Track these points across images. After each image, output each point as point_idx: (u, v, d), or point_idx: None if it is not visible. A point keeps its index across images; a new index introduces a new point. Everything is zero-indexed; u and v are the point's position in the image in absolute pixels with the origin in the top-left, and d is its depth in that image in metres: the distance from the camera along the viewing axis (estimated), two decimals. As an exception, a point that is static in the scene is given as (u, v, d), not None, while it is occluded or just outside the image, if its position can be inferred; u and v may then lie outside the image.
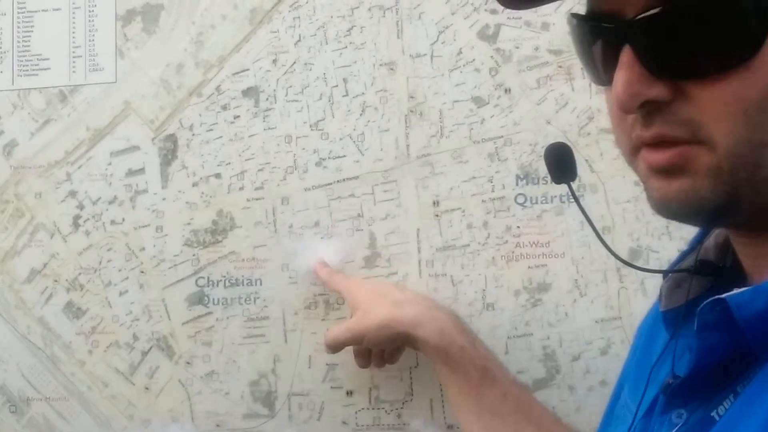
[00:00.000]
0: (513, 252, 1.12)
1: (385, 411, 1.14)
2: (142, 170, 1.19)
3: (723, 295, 0.57)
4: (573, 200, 0.82)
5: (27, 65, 1.21)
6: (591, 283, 1.11)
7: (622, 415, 0.80)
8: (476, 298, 1.13)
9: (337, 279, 1.13)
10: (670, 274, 0.72)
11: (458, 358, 1.00)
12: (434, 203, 1.14)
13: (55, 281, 1.19)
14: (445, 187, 1.14)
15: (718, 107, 0.55)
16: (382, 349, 1.11)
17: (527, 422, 0.99)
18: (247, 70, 1.18)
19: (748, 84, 0.54)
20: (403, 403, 1.14)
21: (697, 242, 0.72)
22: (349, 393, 1.15)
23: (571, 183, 0.83)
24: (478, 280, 1.13)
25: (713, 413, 0.60)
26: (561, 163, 0.85)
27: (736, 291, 0.57)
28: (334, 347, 1.09)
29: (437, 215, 1.14)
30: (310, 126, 1.17)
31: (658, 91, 0.56)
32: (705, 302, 0.58)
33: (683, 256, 0.73)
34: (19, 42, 1.22)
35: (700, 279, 0.70)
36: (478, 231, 1.13)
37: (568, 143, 0.92)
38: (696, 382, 0.62)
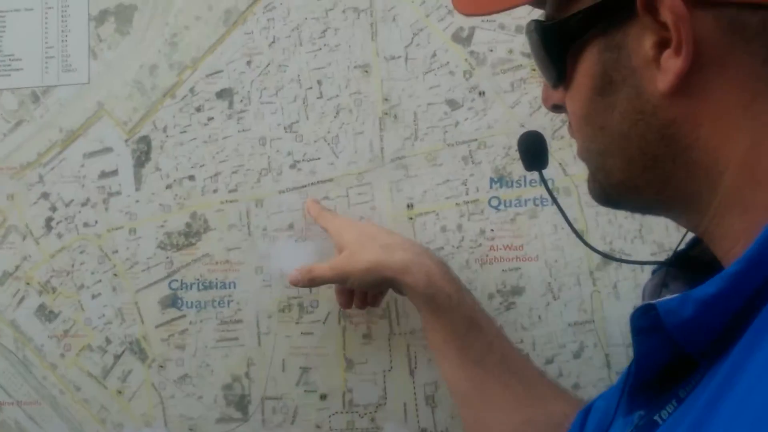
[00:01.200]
0: (487, 255, 1.12)
1: (359, 414, 1.14)
2: (115, 172, 1.18)
3: (654, 301, 0.59)
4: (549, 202, 0.84)
5: (-1, 66, 1.20)
6: (564, 287, 1.11)
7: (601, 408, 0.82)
8: (450, 302, 1.13)
9: (326, 216, 1.13)
10: (655, 272, 0.74)
11: (445, 306, 1.00)
12: (408, 206, 1.14)
13: (27, 284, 1.18)
14: (419, 189, 1.14)
15: (570, 114, 0.70)
16: (365, 291, 1.10)
17: (511, 373, 0.99)
18: (221, 71, 1.17)
19: (573, 101, 0.68)
20: (376, 407, 1.14)
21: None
22: (323, 397, 1.15)
23: (542, 171, 0.85)
24: (452, 283, 1.13)
25: (656, 417, 0.62)
26: (533, 150, 0.88)
27: (668, 297, 0.59)
28: (315, 282, 1.08)
29: (411, 218, 1.14)
30: (285, 128, 1.16)
31: (557, 96, 0.71)
32: (637, 307, 0.61)
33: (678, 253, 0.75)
34: (-10, 42, 1.21)
35: (688, 277, 0.71)
36: (452, 234, 1.13)
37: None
38: (646, 385, 0.64)
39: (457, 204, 1.13)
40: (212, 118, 1.17)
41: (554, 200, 0.88)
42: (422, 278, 1.01)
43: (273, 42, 1.17)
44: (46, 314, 1.18)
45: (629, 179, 0.66)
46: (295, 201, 1.16)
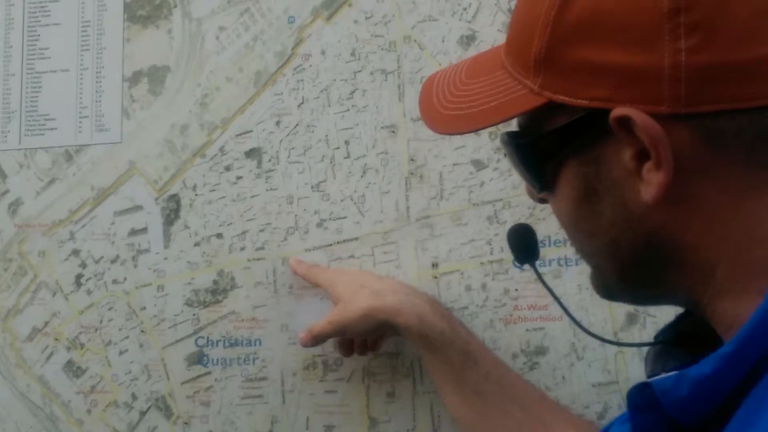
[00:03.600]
0: (511, 315, 1.13)
1: (383, 474, 1.14)
2: (144, 230, 1.20)
3: (650, 380, 0.61)
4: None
5: (34, 125, 1.23)
6: (588, 347, 1.11)
7: None
8: (475, 361, 1.13)
9: (316, 272, 1.15)
10: (658, 337, 0.74)
11: (439, 343, 1.03)
12: (433, 265, 1.15)
13: (56, 340, 1.20)
14: (444, 249, 1.15)
15: (557, 218, 0.72)
16: (365, 339, 1.12)
17: (511, 401, 1.01)
18: (251, 131, 1.19)
19: (559, 208, 0.70)
20: (401, 466, 1.14)
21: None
22: (347, 455, 1.15)
23: (536, 262, 0.86)
24: (476, 341, 1.13)
25: None
26: (524, 243, 0.89)
27: (663, 375, 0.61)
28: (317, 341, 1.09)
29: (436, 277, 1.15)
30: (312, 187, 1.18)
31: (543, 195, 0.71)
32: (633, 386, 0.63)
33: (678, 320, 0.74)
34: (27, 102, 1.24)
35: (686, 347, 0.71)
36: (476, 293, 1.14)
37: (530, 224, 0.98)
38: None
39: (481, 263, 1.14)
40: (241, 177, 1.19)
41: (549, 290, 0.89)
42: (414, 318, 1.03)
43: (302, 103, 1.19)
44: (73, 370, 1.19)
45: (624, 279, 0.68)
46: (321, 259, 1.17)
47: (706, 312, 0.63)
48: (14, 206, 1.22)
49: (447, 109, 0.73)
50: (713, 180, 0.59)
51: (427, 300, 1.08)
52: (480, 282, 1.13)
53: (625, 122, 0.59)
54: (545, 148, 0.66)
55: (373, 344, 1.13)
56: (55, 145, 1.22)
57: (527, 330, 1.12)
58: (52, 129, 1.23)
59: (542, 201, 0.74)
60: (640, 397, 0.62)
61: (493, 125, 0.69)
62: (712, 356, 0.58)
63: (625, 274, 0.67)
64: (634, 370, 1.09)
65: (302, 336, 1.09)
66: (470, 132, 0.72)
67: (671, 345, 0.72)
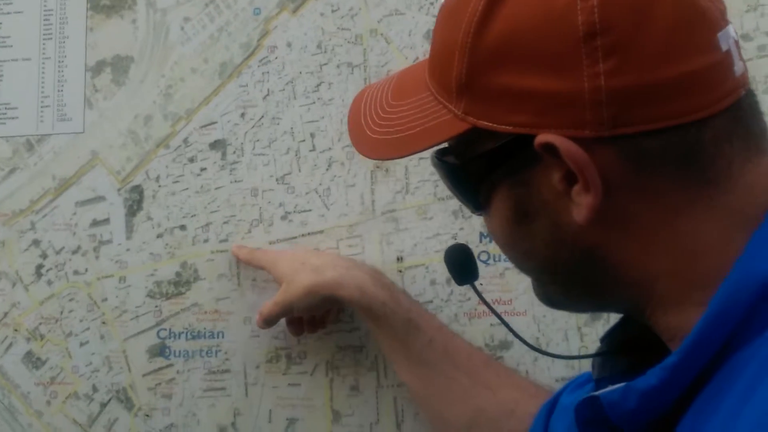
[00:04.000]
0: (475, 309, 1.13)
1: (345, 467, 1.14)
2: (107, 221, 1.18)
3: (597, 393, 0.62)
4: (479, 297, 0.86)
5: (-6, 114, 1.21)
6: (552, 342, 1.12)
7: None
8: (438, 355, 1.13)
9: (258, 255, 1.15)
10: (603, 342, 0.74)
11: (381, 313, 1.04)
12: (398, 259, 1.15)
13: (15, 330, 1.18)
14: (410, 243, 1.15)
15: (493, 238, 0.73)
16: (313, 315, 1.12)
17: (456, 367, 1.02)
18: (215, 123, 1.19)
19: (493, 227, 0.70)
20: (363, 459, 1.14)
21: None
22: (309, 448, 1.15)
23: (475, 283, 0.88)
24: (440, 336, 1.13)
25: None
26: (461, 264, 0.89)
27: (610, 388, 0.62)
28: (268, 322, 1.10)
29: (401, 271, 1.15)
30: (277, 179, 1.17)
31: (478, 214, 0.72)
32: (581, 399, 0.64)
33: (621, 324, 0.74)
34: (-13, 90, 1.22)
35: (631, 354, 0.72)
36: (441, 287, 1.14)
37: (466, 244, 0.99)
38: None
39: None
40: (205, 168, 1.18)
41: (491, 309, 0.90)
42: (355, 291, 1.04)
43: (267, 95, 1.18)
44: (33, 361, 1.18)
45: (565, 294, 0.70)
46: (286, 252, 1.16)
47: (650, 322, 0.64)
48: (-26, 195, 1.20)
49: (375, 132, 0.73)
50: (644, 199, 0.60)
51: (367, 271, 1.08)
52: (445, 276, 1.14)
53: (549, 148, 0.59)
54: (475, 171, 0.66)
55: (321, 321, 1.14)
56: (16, 135, 1.21)
57: (491, 324, 1.12)
58: (13, 118, 1.21)
59: (480, 215, 0.73)
60: (589, 410, 0.63)
61: (420, 151, 0.68)
62: (658, 367, 0.58)
63: (566, 288, 0.69)
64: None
65: (256, 319, 1.11)
66: (398, 158, 0.72)
67: (615, 354, 0.72)
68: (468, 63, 0.62)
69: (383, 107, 0.74)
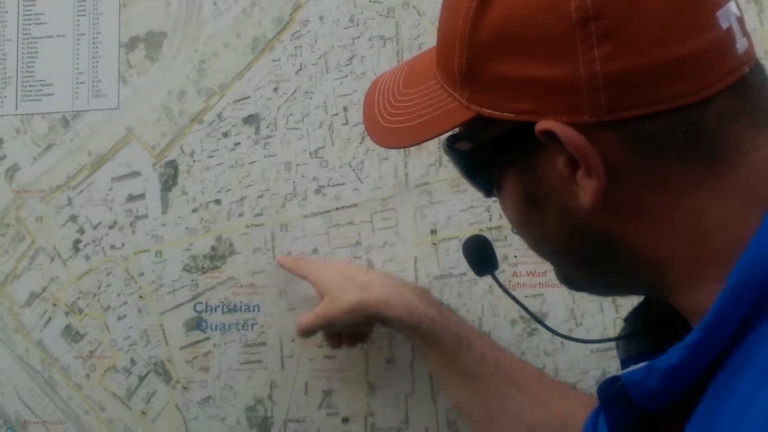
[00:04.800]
0: (510, 281, 1.13)
1: (381, 438, 1.15)
2: (142, 196, 1.19)
3: (620, 373, 0.62)
4: (501, 287, 0.85)
5: (30, 90, 1.22)
6: (587, 313, 1.11)
7: None
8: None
9: (302, 264, 1.15)
10: (627, 322, 0.74)
11: (431, 331, 1.02)
12: (432, 231, 1.15)
13: (54, 305, 1.20)
14: (443, 215, 1.15)
15: (509, 221, 0.72)
16: (353, 331, 1.12)
17: (509, 382, 1.01)
18: (249, 97, 1.19)
19: (507, 211, 0.70)
20: (398, 430, 1.14)
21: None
22: (345, 420, 1.15)
23: (495, 272, 0.87)
24: (475, 308, 1.14)
25: None
26: (481, 256, 0.89)
27: (632, 368, 0.61)
28: (307, 334, 1.10)
29: (435, 243, 1.15)
30: (310, 154, 1.18)
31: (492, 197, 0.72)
32: (604, 380, 0.64)
33: (645, 304, 0.74)
34: (23, 67, 1.23)
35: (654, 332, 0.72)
36: (475, 260, 1.14)
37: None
38: None
39: (480, 230, 1.14)
40: (239, 143, 1.19)
41: (514, 299, 0.89)
42: (403, 309, 1.03)
43: (300, 69, 1.18)
44: (72, 335, 1.19)
45: (582, 276, 0.70)
46: (320, 226, 1.17)
47: (670, 300, 0.64)
48: (11, 172, 1.21)
49: (387, 121, 0.73)
50: (649, 181, 0.59)
51: (414, 289, 1.08)
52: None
53: (549, 134, 0.59)
54: (483, 157, 0.67)
55: (362, 335, 1.13)
56: (51, 111, 1.22)
57: (526, 296, 1.12)
58: (48, 95, 1.22)
59: (495, 199, 0.74)
60: (611, 391, 0.63)
61: (428, 140, 0.69)
62: (679, 345, 0.58)
63: (584, 271, 0.69)
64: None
65: (295, 329, 1.10)
66: (408, 146, 0.72)
67: (639, 335, 0.72)
68: (468, 52, 0.63)
69: (395, 96, 0.74)
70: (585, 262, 0.67)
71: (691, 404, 0.58)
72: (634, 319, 0.73)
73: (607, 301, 1.11)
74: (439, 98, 0.68)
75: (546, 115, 0.59)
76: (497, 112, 0.62)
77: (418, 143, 0.71)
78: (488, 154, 0.66)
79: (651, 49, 0.57)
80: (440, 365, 1.04)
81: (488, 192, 0.71)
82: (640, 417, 0.62)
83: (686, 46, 0.57)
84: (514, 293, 1.10)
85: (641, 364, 0.60)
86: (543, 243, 0.69)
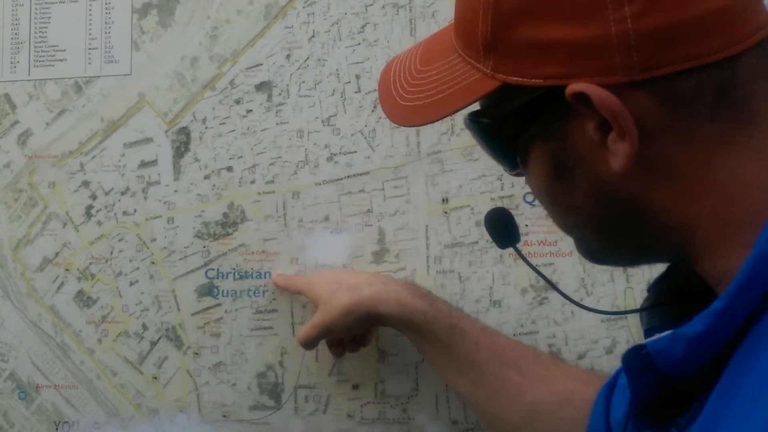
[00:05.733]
0: (520, 250, 1.13)
1: (391, 405, 1.15)
2: (154, 162, 1.20)
3: (644, 342, 0.61)
4: (523, 259, 0.84)
5: (43, 56, 1.22)
6: (597, 283, 1.12)
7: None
8: (483, 296, 1.14)
9: (294, 280, 1.16)
10: (650, 292, 0.74)
11: (423, 323, 1.03)
12: (443, 200, 1.15)
13: (67, 270, 1.20)
14: (455, 184, 1.15)
15: (534, 194, 0.71)
16: (353, 335, 1.13)
17: (506, 366, 1.01)
18: (261, 64, 1.19)
19: (533, 185, 0.69)
20: (408, 398, 1.15)
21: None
22: (355, 387, 1.16)
23: (517, 245, 0.86)
24: (486, 277, 1.14)
25: None
26: (503, 228, 0.88)
27: (657, 336, 0.61)
28: (309, 346, 1.11)
29: (446, 212, 1.15)
30: (322, 121, 1.18)
31: (517, 172, 0.71)
32: (629, 349, 0.63)
33: (668, 273, 0.74)
34: (36, 33, 1.23)
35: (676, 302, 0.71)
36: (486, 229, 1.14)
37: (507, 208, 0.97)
38: (648, 412, 0.66)
39: (492, 199, 1.14)
40: (251, 110, 1.19)
41: (536, 271, 0.86)
42: (394, 305, 1.04)
43: (312, 36, 1.18)
44: (84, 300, 1.20)
45: (607, 246, 0.69)
46: (331, 193, 1.17)
47: (696, 267, 0.64)
48: (24, 137, 1.22)
49: (406, 100, 0.72)
50: (681, 141, 0.59)
51: (403, 285, 1.08)
52: (490, 217, 1.14)
53: (581, 97, 0.58)
54: (509, 129, 0.66)
55: (362, 339, 1.14)
56: (64, 77, 1.22)
57: (537, 265, 1.12)
58: (61, 60, 1.22)
59: (519, 175, 0.73)
60: (636, 359, 0.63)
61: (452, 113, 0.68)
62: (704, 313, 0.58)
63: (608, 241, 0.68)
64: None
65: (298, 342, 1.11)
66: (431, 123, 0.71)
67: (663, 305, 0.71)
68: (492, 20, 0.62)
69: (412, 74, 0.73)
70: (611, 231, 0.66)
71: (717, 372, 0.58)
72: (657, 288, 0.73)
73: (618, 271, 1.11)
74: (461, 71, 0.67)
75: (576, 78, 0.59)
76: (525, 79, 0.62)
77: (441, 118, 0.70)
78: (515, 124, 0.65)
79: (681, 4, 0.57)
80: (436, 356, 1.06)
81: (513, 165, 0.70)
82: (664, 385, 0.62)
83: (715, 1, 0.57)
84: (523, 264, 1.12)
85: (666, 333, 0.60)
86: (569, 214, 0.68)
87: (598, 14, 0.57)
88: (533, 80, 0.61)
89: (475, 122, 0.69)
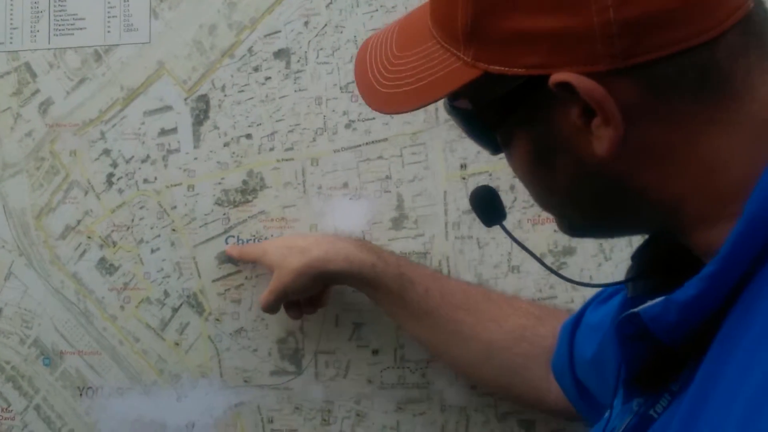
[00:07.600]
0: (539, 215, 1.13)
1: (410, 370, 1.16)
2: (174, 130, 1.20)
3: (637, 309, 0.62)
4: (509, 236, 0.82)
5: (63, 25, 1.23)
6: (616, 248, 1.12)
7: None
8: (502, 261, 1.14)
9: (248, 250, 1.17)
10: (635, 261, 0.73)
11: (372, 276, 1.07)
12: (462, 166, 1.15)
13: (89, 237, 1.21)
14: (473, 150, 1.15)
15: (516, 176, 0.71)
16: (309, 296, 1.14)
17: (457, 308, 1.06)
18: (279, 32, 1.19)
19: (515, 167, 0.70)
20: (427, 363, 1.16)
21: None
22: (375, 352, 1.17)
23: (503, 222, 0.85)
24: (504, 242, 1.14)
25: (651, 411, 0.65)
26: (488, 206, 0.87)
27: (649, 303, 0.61)
28: (269, 311, 1.13)
29: (464, 178, 1.15)
30: (340, 88, 1.18)
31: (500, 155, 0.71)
32: (621, 316, 0.64)
33: (649, 243, 0.74)
34: (55, 2, 1.23)
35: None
36: (504, 194, 1.14)
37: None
38: (640, 378, 0.67)
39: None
40: (269, 77, 1.19)
41: (519, 244, 0.84)
42: (342, 261, 1.07)
43: (330, 3, 1.18)
44: (106, 267, 1.21)
45: (590, 224, 0.70)
46: (350, 160, 1.17)
47: (682, 239, 0.64)
48: (45, 106, 1.23)
49: (384, 86, 0.71)
50: (665, 123, 0.59)
51: (351, 242, 1.11)
52: (508, 183, 1.14)
53: (565, 86, 0.58)
54: (490, 116, 0.66)
55: (318, 300, 1.15)
56: (84, 45, 1.22)
57: (555, 230, 1.12)
58: (81, 29, 1.23)
59: (502, 156, 0.72)
60: (630, 326, 0.63)
61: (433, 102, 0.67)
62: (696, 278, 0.59)
63: (592, 219, 0.69)
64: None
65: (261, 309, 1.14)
66: (411, 111, 0.70)
67: (647, 274, 0.71)
68: (473, 10, 0.61)
69: (389, 60, 0.72)
70: (595, 210, 0.67)
71: (709, 337, 0.59)
72: (640, 257, 0.73)
73: (635, 237, 1.11)
74: (440, 59, 0.66)
75: (559, 68, 0.59)
76: (506, 68, 0.61)
77: (422, 106, 0.69)
78: (496, 111, 0.65)
79: None
80: (390, 306, 1.09)
81: (495, 149, 0.70)
82: (657, 352, 0.63)
83: None
84: (542, 227, 1.12)
85: (658, 299, 0.61)
86: (552, 197, 0.69)
87: (581, 5, 0.57)
88: (515, 69, 0.61)
89: (456, 109, 0.69)
